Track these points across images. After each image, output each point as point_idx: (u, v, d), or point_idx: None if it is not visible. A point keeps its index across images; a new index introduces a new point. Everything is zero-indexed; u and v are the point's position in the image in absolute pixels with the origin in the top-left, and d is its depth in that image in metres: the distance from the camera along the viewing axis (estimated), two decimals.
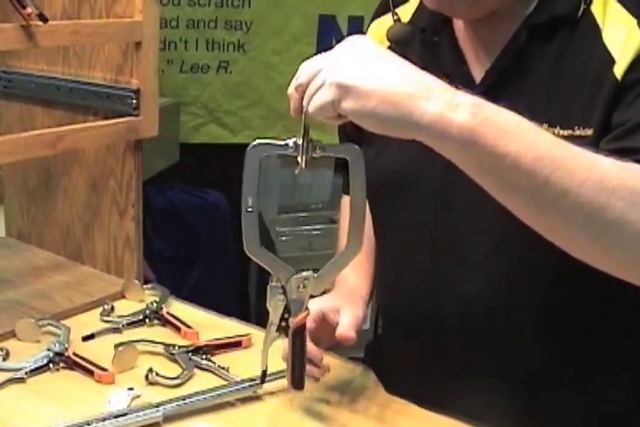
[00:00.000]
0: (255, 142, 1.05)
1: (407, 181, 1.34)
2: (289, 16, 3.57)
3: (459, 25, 1.32)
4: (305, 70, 1.02)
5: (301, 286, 1.10)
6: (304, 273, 1.10)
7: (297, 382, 1.16)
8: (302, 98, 1.04)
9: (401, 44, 1.30)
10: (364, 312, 1.38)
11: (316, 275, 1.11)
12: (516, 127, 0.95)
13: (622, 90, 1.14)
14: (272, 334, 1.13)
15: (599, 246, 0.97)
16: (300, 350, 1.13)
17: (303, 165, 1.07)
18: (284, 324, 1.12)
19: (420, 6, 1.34)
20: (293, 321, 1.11)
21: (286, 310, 1.11)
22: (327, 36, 3.53)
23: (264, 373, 1.20)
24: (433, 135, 0.94)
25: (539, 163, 0.92)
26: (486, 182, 0.97)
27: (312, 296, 1.15)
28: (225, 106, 3.68)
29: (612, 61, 1.15)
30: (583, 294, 1.26)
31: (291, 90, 1.04)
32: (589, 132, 1.15)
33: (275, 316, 1.11)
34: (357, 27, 3.45)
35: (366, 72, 0.96)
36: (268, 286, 1.11)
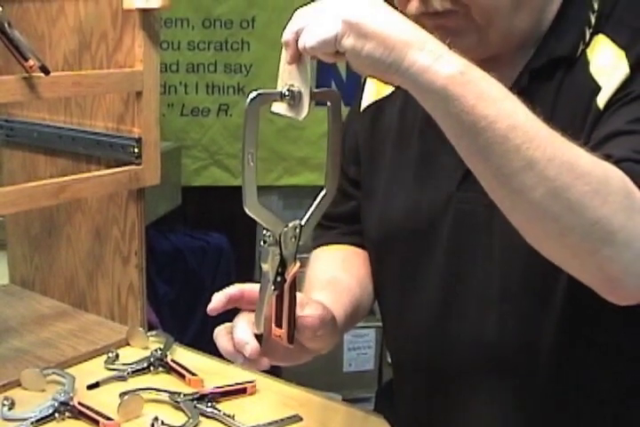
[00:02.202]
0: (253, 94, 1.03)
1: (417, 229, 1.35)
2: None
3: None
4: (304, 15, 1.02)
5: (292, 236, 1.11)
6: (291, 224, 1.10)
7: (292, 337, 1.15)
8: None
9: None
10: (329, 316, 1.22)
11: (303, 223, 1.12)
12: (499, 95, 0.97)
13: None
14: (269, 292, 1.12)
15: (556, 228, 0.96)
16: (294, 301, 1.13)
17: (304, 114, 1.07)
18: (279, 279, 1.12)
19: None
20: (290, 273, 1.11)
21: (280, 264, 1.11)
22: (326, 78, 3.52)
23: (260, 337, 1.14)
24: (417, 85, 0.97)
25: (512, 131, 0.94)
26: (462, 145, 0.99)
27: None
28: (226, 148, 3.70)
29: (597, 89, 1.17)
30: (597, 333, 1.26)
31: (287, 36, 1.03)
32: None
33: (272, 273, 1.11)
34: None
35: (371, 14, 0.98)
36: (264, 245, 1.10)
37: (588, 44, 1.22)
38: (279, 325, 1.12)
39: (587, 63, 1.21)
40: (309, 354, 1.20)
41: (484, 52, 1.25)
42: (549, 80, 1.24)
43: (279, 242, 1.09)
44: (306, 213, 1.12)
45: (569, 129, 1.18)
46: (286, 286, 1.11)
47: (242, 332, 1.13)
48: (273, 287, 1.11)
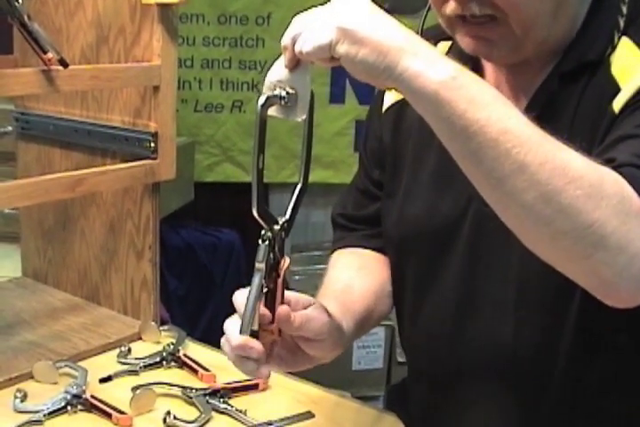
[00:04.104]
0: (263, 99, 1.06)
1: (436, 230, 1.35)
2: None
3: (488, 72, 1.33)
4: (301, 21, 1.04)
5: (283, 233, 1.12)
6: (280, 220, 1.12)
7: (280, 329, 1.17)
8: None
9: None
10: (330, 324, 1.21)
11: (287, 218, 1.13)
12: (491, 99, 0.98)
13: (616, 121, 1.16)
14: (261, 288, 1.12)
15: (549, 232, 0.96)
16: (283, 296, 1.14)
17: (304, 116, 1.10)
18: (273, 274, 1.13)
19: (448, 55, 1.35)
20: (283, 267, 1.13)
21: (274, 260, 1.12)
22: (341, 76, 3.52)
23: (256, 333, 1.13)
24: (410, 89, 0.98)
25: (503, 135, 0.95)
26: (454, 148, 1.00)
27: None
28: (239, 145, 3.69)
29: (616, 92, 1.17)
30: (614, 339, 1.25)
31: (285, 41, 1.05)
32: None
33: (267, 270, 1.12)
34: None
35: (365, 21, 1.00)
36: (264, 244, 1.11)
37: (614, 48, 1.22)
38: (271, 320, 1.14)
39: (609, 65, 1.21)
40: (310, 362, 1.20)
41: (515, 60, 1.25)
42: (575, 83, 1.23)
43: (274, 239, 1.12)
44: (286, 208, 1.14)
45: (588, 131, 1.18)
46: (280, 280, 1.13)
47: (237, 336, 1.14)
48: (266, 284, 1.12)
